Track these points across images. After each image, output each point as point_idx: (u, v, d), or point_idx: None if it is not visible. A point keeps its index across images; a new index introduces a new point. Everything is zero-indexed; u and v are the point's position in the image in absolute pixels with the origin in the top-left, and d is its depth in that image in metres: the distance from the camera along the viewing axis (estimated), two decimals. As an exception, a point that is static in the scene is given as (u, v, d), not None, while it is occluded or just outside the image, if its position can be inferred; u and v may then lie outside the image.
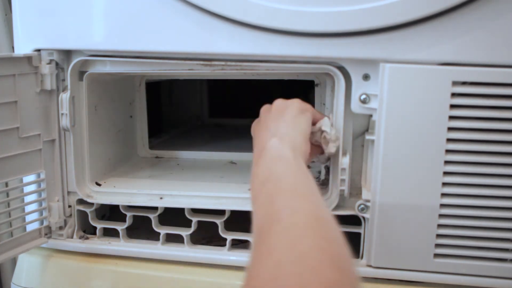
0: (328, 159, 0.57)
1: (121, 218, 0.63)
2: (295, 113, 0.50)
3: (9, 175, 0.56)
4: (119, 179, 0.68)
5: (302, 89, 1.17)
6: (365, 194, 0.54)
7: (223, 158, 0.81)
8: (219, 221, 0.60)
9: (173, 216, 0.62)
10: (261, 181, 0.40)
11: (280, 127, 0.48)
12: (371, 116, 0.53)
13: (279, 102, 0.53)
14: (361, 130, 0.56)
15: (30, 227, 0.60)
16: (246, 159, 0.80)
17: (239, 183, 0.66)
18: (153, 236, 0.62)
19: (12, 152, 0.55)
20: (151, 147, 0.84)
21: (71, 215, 0.63)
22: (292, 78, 0.70)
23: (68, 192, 0.62)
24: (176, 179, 0.70)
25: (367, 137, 0.54)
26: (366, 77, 0.52)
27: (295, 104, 0.52)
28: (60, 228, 0.62)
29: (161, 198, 0.61)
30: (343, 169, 0.54)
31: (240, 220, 0.60)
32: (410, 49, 0.49)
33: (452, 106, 0.49)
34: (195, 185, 0.65)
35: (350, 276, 0.30)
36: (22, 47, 0.58)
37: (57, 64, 0.58)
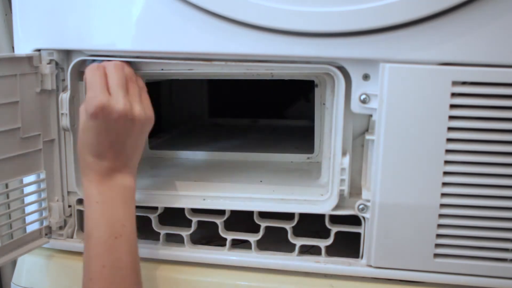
0: None
1: (121, 218, 0.63)
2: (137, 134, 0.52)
3: (10, 176, 0.55)
4: (119, 179, 0.67)
5: (302, 89, 1.17)
6: (365, 194, 0.54)
7: (223, 158, 0.81)
8: (219, 221, 0.60)
9: (173, 216, 0.62)
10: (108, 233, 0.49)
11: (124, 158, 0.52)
12: (371, 116, 0.53)
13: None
14: (361, 130, 0.56)
15: (30, 228, 0.60)
16: (246, 159, 0.80)
17: (239, 183, 0.66)
18: (153, 236, 0.62)
19: (13, 153, 0.55)
20: (151, 147, 0.84)
21: (71, 215, 0.63)
22: (292, 78, 0.70)
23: (68, 192, 0.62)
24: (176, 179, 0.70)
25: (367, 137, 0.54)
26: (366, 77, 0.52)
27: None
28: (60, 228, 0.62)
29: (161, 198, 0.61)
30: (343, 169, 0.55)
31: (240, 220, 0.60)
32: (410, 49, 0.49)
33: (452, 106, 0.49)
34: (195, 185, 0.65)
35: None
36: (22, 47, 0.58)
37: (57, 64, 0.58)
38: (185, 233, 0.61)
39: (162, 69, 0.58)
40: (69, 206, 0.63)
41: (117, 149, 0.51)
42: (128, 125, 0.50)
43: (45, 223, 0.61)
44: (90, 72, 0.51)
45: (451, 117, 0.49)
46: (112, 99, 0.49)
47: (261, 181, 0.65)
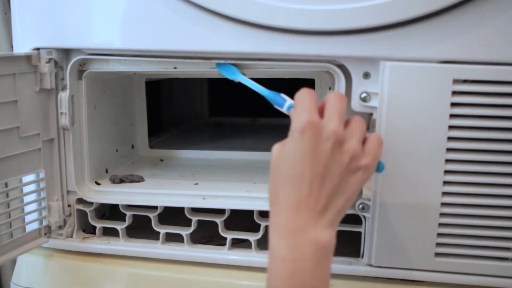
0: None
1: (121, 217, 0.63)
2: (347, 173, 0.40)
3: (9, 175, 0.55)
4: (118, 178, 0.67)
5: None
6: (365, 193, 0.54)
7: (223, 157, 0.81)
8: (219, 220, 0.59)
9: (173, 215, 0.62)
10: None
11: (331, 204, 0.40)
12: (371, 114, 0.53)
13: (316, 130, 0.40)
14: (362, 129, 0.56)
15: (29, 227, 0.60)
16: (246, 158, 0.80)
17: (239, 182, 0.66)
18: (153, 235, 0.62)
19: (12, 152, 0.55)
20: (151, 146, 0.84)
21: (70, 214, 0.63)
22: (292, 77, 0.70)
23: (68, 192, 0.62)
24: (176, 178, 0.70)
25: (368, 135, 0.53)
26: (366, 75, 0.51)
27: (351, 153, 0.40)
28: (60, 227, 0.62)
29: (161, 197, 0.61)
30: (344, 168, 0.54)
31: (240, 220, 0.60)
32: (410, 47, 0.48)
33: (453, 104, 0.49)
34: (195, 184, 0.65)
35: None
36: (21, 46, 0.57)
37: (56, 63, 0.58)
38: (185, 232, 0.60)
39: (161, 68, 0.57)
40: (69, 205, 0.63)
41: (320, 185, 0.40)
42: (338, 156, 0.40)
43: (44, 223, 0.61)
44: (302, 93, 0.43)
45: (452, 116, 0.49)
46: (324, 120, 0.41)
47: (261, 180, 0.65)
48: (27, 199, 0.60)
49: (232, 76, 0.55)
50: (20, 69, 0.55)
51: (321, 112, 0.43)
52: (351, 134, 0.42)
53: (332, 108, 0.42)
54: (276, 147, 0.43)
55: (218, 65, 0.55)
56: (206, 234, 0.65)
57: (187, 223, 0.60)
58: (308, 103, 0.42)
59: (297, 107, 0.42)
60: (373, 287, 0.55)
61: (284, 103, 0.49)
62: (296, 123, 0.40)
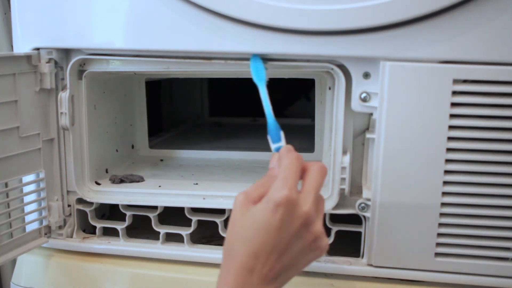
0: None
1: (121, 217, 0.63)
2: (306, 250, 0.42)
3: (9, 175, 0.55)
4: (118, 178, 0.67)
5: (303, 88, 1.17)
6: (365, 193, 0.54)
7: (223, 157, 0.81)
8: (219, 220, 0.59)
9: (173, 215, 0.62)
10: None
11: (283, 274, 0.41)
12: (371, 114, 0.53)
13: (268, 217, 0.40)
14: (362, 129, 0.56)
15: (29, 227, 0.60)
16: (246, 158, 0.80)
17: (239, 182, 0.66)
18: (153, 235, 0.62)
19: (13, 152, 0.55)
20: (151, 146, 0.84)
21: (70, 214, 0.63)
22: (292, 77, 0.70)
23: (68, 192, 0.62)
24: (176, 178, 0.70)
25: (368, 135, 0.53)
26: (366, 75, 0.51)
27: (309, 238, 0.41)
28: (60, 227, 0.62)
29: (160, 197, 0.61)
30: (344, 168, 0.54)
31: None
32: (410, 47, 0.48)
33: (453, 104, 0.49)
34: (195, 184, 0.65)
35: None
36: (21, 46, 0.57)
37: (56, 63, 0.58)
38: (185, 232, 0.60)
39: (161, 68, 0.57)
40: (69, 205, 0.63)
41: (278, 257, 0.40)
42: (304, 235, 0.41)
43: (44, 223, 0.61)
44: (290, 160, 0.43)
45: (452, 116, 0.49)
46: (301, 198, 0.42)
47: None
48: (27, 199, 0.60)
49: (256, 79, 0.52)
50: (20, 69, 0.55)
51: (302, 172, 0.44)
52: (317, 213, 0.43)
53: (311, 182, 0.43)
54: (240, 199, 0.42)
55: (254, 57, 0.52)
56: (206, 234, 0.65)
57: (187, 223, 0.60)
58: (292, 174, 0.42)
59: (281, 175, 0.42)
60: (373, 287, 0.55)
61: (276, 141, 0.49)
62: (275, 194, 0.40)
